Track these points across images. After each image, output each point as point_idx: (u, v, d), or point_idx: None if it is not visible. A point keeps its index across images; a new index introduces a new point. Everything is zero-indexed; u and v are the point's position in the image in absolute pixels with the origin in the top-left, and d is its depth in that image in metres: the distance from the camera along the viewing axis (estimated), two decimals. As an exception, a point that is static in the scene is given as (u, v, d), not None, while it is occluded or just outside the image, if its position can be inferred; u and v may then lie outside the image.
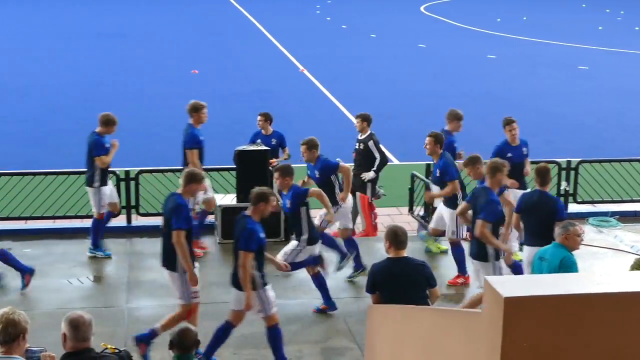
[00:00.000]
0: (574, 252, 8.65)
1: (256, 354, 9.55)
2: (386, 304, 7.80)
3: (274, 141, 13.42)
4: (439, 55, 31.46)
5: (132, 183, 13.37)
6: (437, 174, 11.64)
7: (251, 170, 12.47)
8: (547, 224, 9.63)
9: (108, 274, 12.00)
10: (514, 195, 11.52)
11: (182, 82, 25.82)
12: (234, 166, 12.99)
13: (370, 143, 12.66)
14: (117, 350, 5.97)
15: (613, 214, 14.18)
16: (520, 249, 10.96)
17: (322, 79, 26.58)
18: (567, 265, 8.41)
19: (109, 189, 12.34)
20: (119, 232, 13.06)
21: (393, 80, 26.81)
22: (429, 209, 12.97)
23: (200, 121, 12.18)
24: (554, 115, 22.50)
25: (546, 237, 9.20)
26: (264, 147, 12.88)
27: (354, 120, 13.25)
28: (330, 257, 11.23)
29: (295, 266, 10.28)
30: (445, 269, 11.82)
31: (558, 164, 14.19)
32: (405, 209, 14.17)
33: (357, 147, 12.86)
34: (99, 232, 12.24)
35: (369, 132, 12.77)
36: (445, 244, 12.31)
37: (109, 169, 12.33)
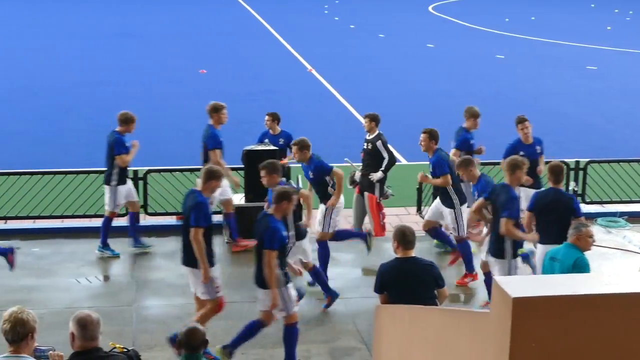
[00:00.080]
0: (584, 253, 8.62)
1: (263, 353, 9.57)
2: (394, 304, 7.80)
3: (281, 141, 13.40)
4: (447, 55, 31.41)
5: (141, 183, 13.39)
6: (431, 169, 11.73)
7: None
8: (563, 222, 9.42)
9: (116, 273, 12.04)
10: (525, 194, 11.50)
11: (191, 81, 25.85)
12: (242, 166, 13.01)
13: (379, 143, 12.64)
14: (125, 350, 5.98)
15: (622, 214, 14.16)
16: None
17: (330, 79, 26.56)
18: (581, 266, 8.36)
19: (126, 188, 12.38)
20: (127, 231, 13.08)
21: (401, 80, 26.79)
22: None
23: (220, 122, 12.29)
24: (562, 115, 22.45)
25: (561, 235, 8.99)
26: (272, 147, 12.88)
27: (362, 120, 13.24)
28: (338, 256, 11.17)
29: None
30: (454, 269, 11.80)
31: (567, 164, 14.11)
32: (414, 209, 14.15)
33: (365, 147, 12.84)
34: (109, 230, 12.27)
35: (377, 132, 12.75)
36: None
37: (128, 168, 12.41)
